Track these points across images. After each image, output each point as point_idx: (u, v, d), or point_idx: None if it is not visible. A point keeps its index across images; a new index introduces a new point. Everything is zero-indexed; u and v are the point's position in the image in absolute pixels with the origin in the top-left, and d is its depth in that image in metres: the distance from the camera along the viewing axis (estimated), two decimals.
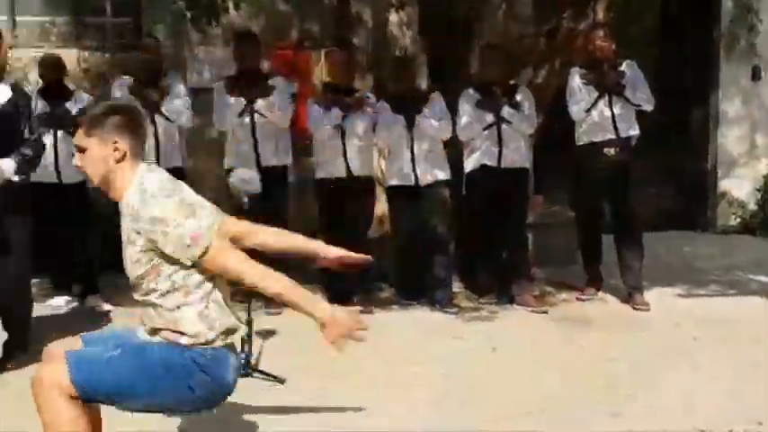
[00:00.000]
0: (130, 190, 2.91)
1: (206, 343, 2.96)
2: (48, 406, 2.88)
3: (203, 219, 2.87)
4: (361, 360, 5.25)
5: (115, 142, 2.90)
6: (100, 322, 6.17)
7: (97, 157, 2.96)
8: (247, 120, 6.40)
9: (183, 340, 2.96)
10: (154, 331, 3.04)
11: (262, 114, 6.38)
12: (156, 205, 2.78)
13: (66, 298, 6.63)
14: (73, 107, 6.50)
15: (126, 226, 2.90)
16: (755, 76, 9.52)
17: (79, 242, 6.62)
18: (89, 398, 2.90)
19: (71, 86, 6.82)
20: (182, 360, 2.95)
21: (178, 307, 2.92)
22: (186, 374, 2.96)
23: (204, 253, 2.77)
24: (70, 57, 7.46)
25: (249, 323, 4.94)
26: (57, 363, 2.93)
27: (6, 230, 5.19)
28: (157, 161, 6.30)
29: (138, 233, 2.81)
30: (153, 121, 6.35)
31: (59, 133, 6.32)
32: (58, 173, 6.34)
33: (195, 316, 2.96)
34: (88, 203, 6.58)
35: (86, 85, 7.74)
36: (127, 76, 6.69)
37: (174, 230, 2.73)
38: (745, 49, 9.38)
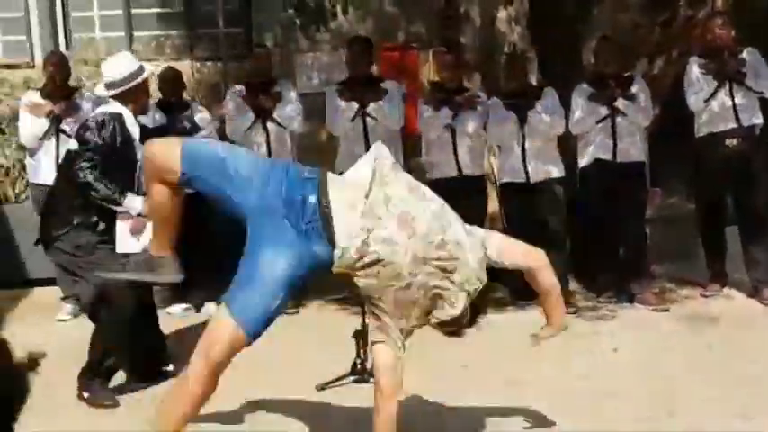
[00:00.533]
0: None
1: None
2: None
3: None
4: (478, 362, 5.32)
5: None
6: None
7: None
8: (360, 124, 6.48)
9: None
10: None
11: (374, 118, 6.46)
12: None
13: (183, 305, 6.75)
14: (190, 120, 6.62)
15: None
16: None
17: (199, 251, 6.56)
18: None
19: (187, 99, 6.98)
20: None
21: None
22: None
23: None
24: (184, 68, 7.59)
25: (365, 327, 4.89)
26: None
27: None
28: None
29: None
30: (265, 128, 6.56)
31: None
32: None
33: None
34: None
35: (200, 94, 7.93)
36: (239, 86, 6.82)
37: None
38: None
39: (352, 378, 5.01)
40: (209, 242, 6.60)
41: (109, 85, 5.11)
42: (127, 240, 5.10)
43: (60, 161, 5.59)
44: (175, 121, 6.54)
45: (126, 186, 5.00)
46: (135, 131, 5.20)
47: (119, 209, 5.01)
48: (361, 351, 4.98)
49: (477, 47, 7.46)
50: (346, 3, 8.06)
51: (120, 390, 5.26)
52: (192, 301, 6.78)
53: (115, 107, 5.12)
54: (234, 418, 4.68)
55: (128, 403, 5.09)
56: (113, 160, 4.98)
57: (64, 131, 6.42)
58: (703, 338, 5.80)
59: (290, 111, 6.67)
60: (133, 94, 5.11)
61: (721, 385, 4.92)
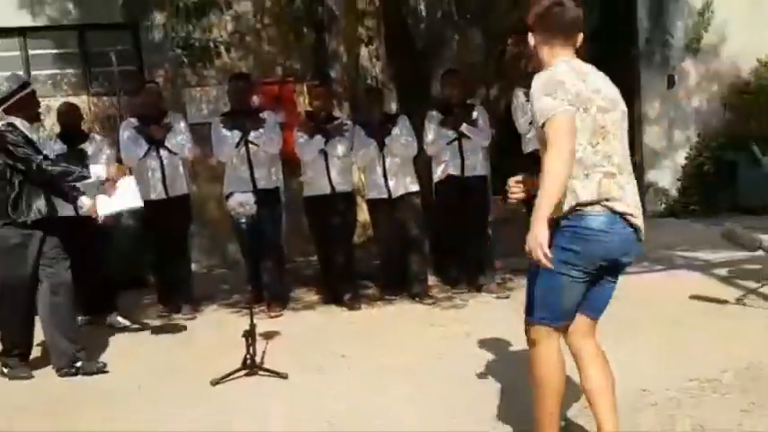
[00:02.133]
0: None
1: None
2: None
3: None
4: (354, 351, 5.58)
5: None
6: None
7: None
8: (243, 150, 6.60)
9: None
10: None
11: (255, 144, 6.59)
12: None
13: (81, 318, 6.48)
14: (89, 148, 6.60)
15: None
16: (670, 84, 10.02)
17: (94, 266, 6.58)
18: None
19: (85, 130, 6.92)
20: None
21: None
22: None
23: None
24: (82, 103, 7.62)
25: (252, 327, 5.13)
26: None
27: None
28: (164, 190, 6.60)
29: None
30: (158, 155, 6.63)
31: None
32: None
33: None
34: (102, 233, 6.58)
35: (98, 126, 8.00)
36: (133, 118, 6.84)
37: None
38: (660, 62, 9.92)
39: (243, 372, 5.08)
40: None
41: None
42: (107, 204, 5.42)
43: None
44: (73, 150, 6.51)
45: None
46: (32, 135, 5.38)
47: (90, 180, 5.30)
48: (251, 348, 5.09)
49: (344, 80, 7.87)
50: (229, 43, 8.30)
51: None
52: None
53: (9, 119, 5.29)
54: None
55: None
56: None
57: None
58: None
59: (180, 139, 6.75)
60: (20, 106, 5.32)
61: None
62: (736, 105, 10.15)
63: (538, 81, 3.27)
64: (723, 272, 7.21)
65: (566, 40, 3.32)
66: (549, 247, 3.04)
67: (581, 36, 3.34)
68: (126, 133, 6.76)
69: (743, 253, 7.57)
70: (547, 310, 3.33)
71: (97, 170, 5.48)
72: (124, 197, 5.51)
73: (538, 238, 3.02)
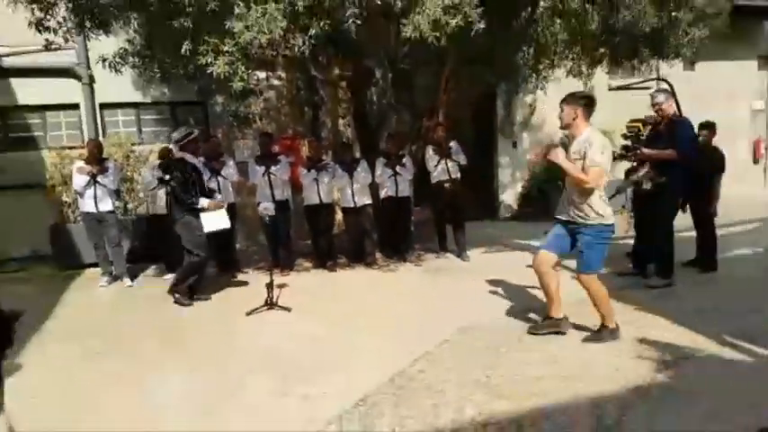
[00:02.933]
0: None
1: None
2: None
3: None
4: (332, 297, 5.73)
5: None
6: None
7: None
8: (267, 177, 6.55)
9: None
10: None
11: (274, 174, 6.56)
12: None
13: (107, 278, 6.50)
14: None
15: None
16: (514, 146, 10.18)
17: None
18: None
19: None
20: None
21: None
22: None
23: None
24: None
25: (272, 281, 5.22)
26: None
27: None
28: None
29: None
30: (216, 180, 6.47)
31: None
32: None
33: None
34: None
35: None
36: (201, 157, 6.38)
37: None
38: (509, 133, 10.10)
39: (266, 307, 5.13)
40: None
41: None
42: (209, 224, 5.41)
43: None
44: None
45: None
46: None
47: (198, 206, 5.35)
48: (270, 293, 5.16)
49: (329, 138, 7.97)
50: (260, 115, 8.52)
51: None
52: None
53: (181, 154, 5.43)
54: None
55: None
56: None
57: (98, 182, 6.24)
58: (437, 279, 6.24)
59: (229, 170, 6.65)
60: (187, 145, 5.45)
61: (443, 302, 5.44)
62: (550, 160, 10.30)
63: (597, 139, 3.84)
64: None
65: (591, 116, 3.95)
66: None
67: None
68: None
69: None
70: (596, 266, 3.97)
71: (203, 202, 5.44)
72: (219, 221, 5.51)
73: (562, 161, 3.86)
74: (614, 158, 5.16)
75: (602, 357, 3.79)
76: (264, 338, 4.58)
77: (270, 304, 5.18)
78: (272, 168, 6.66)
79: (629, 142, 5.54)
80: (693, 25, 5.82)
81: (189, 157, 5.49)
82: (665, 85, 6.60)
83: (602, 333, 4.07)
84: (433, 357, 3.95)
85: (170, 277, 6.08)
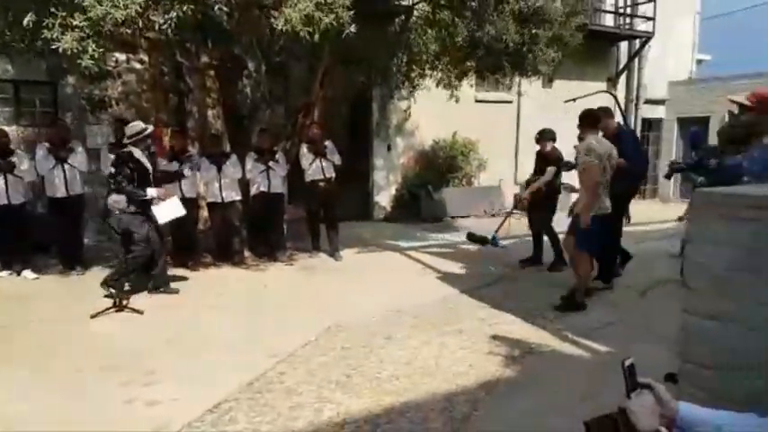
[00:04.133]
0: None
1: None
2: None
3: None
4: (193, 294, 5.50)
5: None
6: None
7: None
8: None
9: None
10: None
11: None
12: None
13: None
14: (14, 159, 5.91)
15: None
16: (389, 149, 10.34)
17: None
18: None
19: (12, 148, 6.10)
20: None
21: None
22: None
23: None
24: (11, 132, 6.66)
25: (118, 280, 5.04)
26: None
27: None
28: (66, 191, 6.03)
29: None
30: (63, 168, 6.02)
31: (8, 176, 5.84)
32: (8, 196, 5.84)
33: None
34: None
35: (22, 147, 7.01)
36: (46, 143, 6.11)
37: None
38: (384, 137, 10.23)
39: (114, 308, 4.81)
40: None
41: None
42: (161, 214, 5.21)
43: None
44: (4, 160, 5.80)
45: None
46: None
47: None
48: (121, 293, 4.90)
49: (197, 129, 7.51)
50: (118, 99, 7.71)
51: None
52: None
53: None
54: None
55: None
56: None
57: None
58: (308, 279, 6.11)
59: (79, 158, 6.16)
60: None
61: (312, 295, 5.47)
62: (421, 163, 10.68)
63: (584, 144, 4.69)
64: (412, 251, 7.49)
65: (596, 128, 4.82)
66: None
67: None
68: (40, 152, 6.07)
69: (421, 242, 8.15)
70: (587, 245, 4.77)
71: (152, 192, 5.18)
72: (173, 210, 5.30)
73: (587, 220, 4.66)
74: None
75: (459, 354, 3.96)
76: (111, 341, 4.24)
77: (119, 305, 4.83)
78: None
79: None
80: (551, 45, 6.31)
81: (137, 153, 5.22)
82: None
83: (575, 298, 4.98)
84: (295, 359, 3.89)
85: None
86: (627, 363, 1.56)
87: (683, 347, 1.87)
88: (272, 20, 4.39)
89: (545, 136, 6.52)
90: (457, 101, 7.95)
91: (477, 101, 10.66)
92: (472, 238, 7.32)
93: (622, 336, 4.28)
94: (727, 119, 5.74)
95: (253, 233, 7.13)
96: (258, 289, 5.79)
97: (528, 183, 6.72)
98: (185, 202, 6.28)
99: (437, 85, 7.76)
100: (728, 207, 1.71)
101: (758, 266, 1.65)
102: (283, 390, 3.41)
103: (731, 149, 2.46)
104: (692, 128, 9.66)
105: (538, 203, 6.46)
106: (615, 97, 6.03)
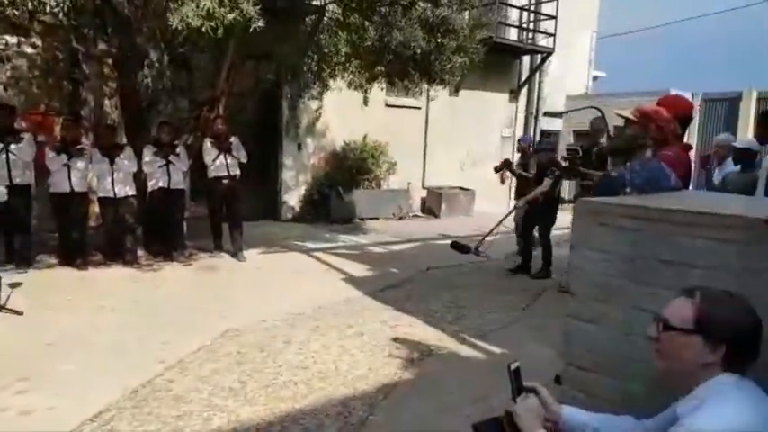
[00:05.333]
0: None
1: None
2: None
3: None
4: (72, 298, 5.07)
5: None
6: None
7: None
8: (4, 156, 5.57)
9: None
10: None
11: (14, 153, 5.60)
12: None
13: None
14: None
15: None
16: (299, 149, 10.10)
17: None
18: None
19: None
20: None
21: None
22: None
23: None
24: None
25: None
26: None
27: None
28: None
29: None
30: None
31: None
32: None
33: None
34: None
35: None
36: None
37: None
38: (294, 136, 9.98)
39: None
40: None
41: None
42: None
43: None
44: None
45: None
46: None
47: None
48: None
49: (91, 119, 7.02)
50: (6, 84, 6.94)
51: None
52: None
53: None
54: None
55: None
56: None
57: None
58: (206, 280, 5.91)
59: None
60: None
61: (202, 296, 5.27)
62: (331, 164, 10.55)
63: None
64: (319, 253, 7.35)
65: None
66: None
67: None
68: None
69: (329, 243, 8.05)
70: None
71: None
72: None
73: None
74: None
75: (358, 357, 3.89)
76: None
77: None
78: (12, 146, 5.66)
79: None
80: (456, 54, 6.44)
81: None
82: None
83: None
84: (187, 365, 3.66)
85: None
86: (512, 366, 1.58)
87: (566, 350, 1.90)
88: (169, 14, 4.16)
89: (541, 146, 6.63)
90: (366, 103, 7.93)
91: (387, 105, 10.73)
92: (455, 246, 7.12)
93: (517, 337, 4.41)
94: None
95: (149, 231, 6.70)
96: (151, 290, 5.46)
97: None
98: (75, 196, 5.94)
99: (348, 87, 7.69)
100: (609, 216, 1.76)
101: (636, 274, 1.70)
102: (171, 397, 3.19)
103: (617, 161, 2.55)
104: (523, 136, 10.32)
105: (534, 213, 6.43)
106: (602, 113, 6.00)
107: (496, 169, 7.46)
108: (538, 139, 13.92)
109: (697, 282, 1.44)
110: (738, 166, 4.50)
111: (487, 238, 6.50)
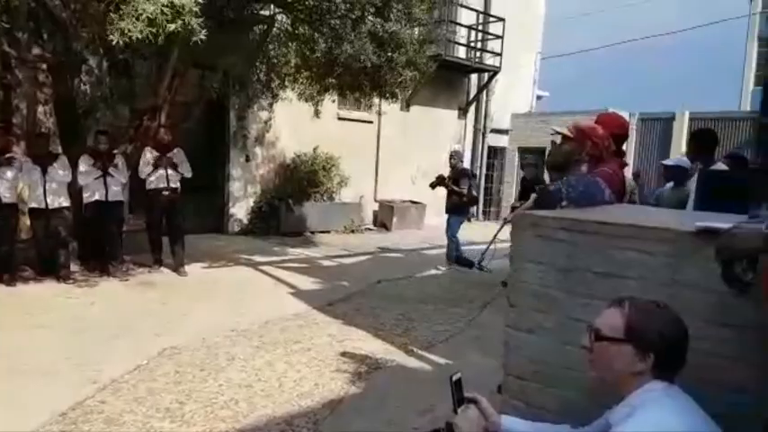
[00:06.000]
0: None
1: None
2: None
3: None
4: (11, 313, 4.89)
5: None
6: None
7: None
8: None
9: None
10: None
11: None
12: None
13: None
14: None
15: None
16: (247, 160, 9.92)
17: None
18: None
19: None
20: None
21: None
22: None
23: None
24: None
25: None
26: None
27: None
28: None
29: None
30: None
31: None
32: None
33: None
34: None
35: None
36: None
37: None
38: (242, 147, 9.79)
39: None
40: None
41: None
42: None
43: None
44: None
45: None
46: None
47: None
48: None
49: (23, 126, 6.69)
50: None
51: None
52: None
53: None
54: None
55: None
56: None
57: None
58: (144, 296, 5.68)
59: None
60: None
61: (148, 313, 5.05)
62: (282, 176, 10.44)
63: None
64: (267, 266, 7.20)
65: None
66: None
67: None
68: None
69: (277, 257, 7.92)
70: None
71: None
72: None
73: None
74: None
75: (304, 373, 3.83)
76: None
77: None
78: None
79: None
80: (406, 68, 6.52)
81: None
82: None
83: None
84: (121, 386, 3.50)
85: None
86: (454, 378, 1.59)
87: (506, 361, 1.92)
88: (108, 25, 4.05)
89: (525, 162, 6.69)
90: (318, 115, 7.90)
91: (339, 118, 10.74)
92: (458, 261, 7.29)
93: (463, 348, 4.45)
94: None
95: (84, 244, 6.43)
96: (85, 307, 5.21)
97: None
98: (3, 207, 5.62)
99: (299, 98, 7.64)
100: (546, 228, 1.80)
101: (572, 285, 1.75)
102: (102, 420, 3.04)
103: (555, 176, 2.62)
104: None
105: None
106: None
107: (432, 185, 7.73)
108: (485, 153, 14.28)
109: (630, 293, 1.48)
110: (671, 183, 4.71)
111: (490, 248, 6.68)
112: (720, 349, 1.47)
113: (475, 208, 12.99)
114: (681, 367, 1.35)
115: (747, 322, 1.43)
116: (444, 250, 7.81)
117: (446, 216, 7.77)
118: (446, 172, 7.89)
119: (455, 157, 7.92)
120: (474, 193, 7.90)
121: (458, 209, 7.69)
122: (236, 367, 3.87)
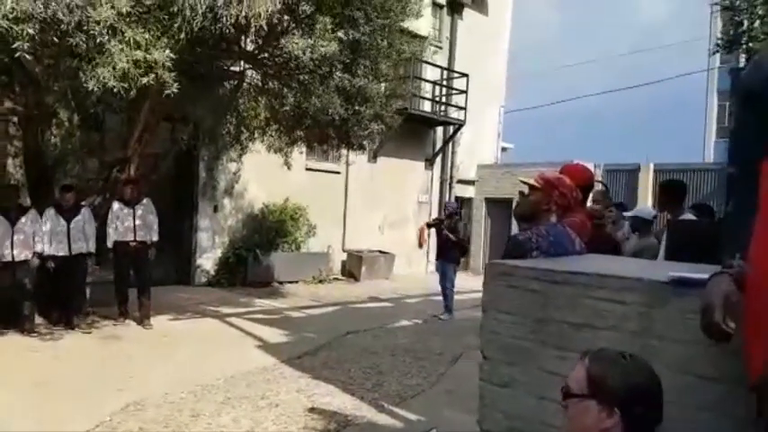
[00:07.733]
0: None
1: None
2: None
3: None
4: None
5: None
6: None
7: None
8: None
9: None
10: None
11: None
12: None
13: None
14: None
15: None
16: (215, 210, 9.76)
17: None
18: None
19: None
20: None
21: None
22: None
23: None
24: None
25: None
26: None
27: None
28: None
29: None
30: None
31: None
32: None
33: None
34: None
35: None
36: None
37: None
38: (210, 197, 9.64)
39: None
40: None
41: None
42: None
43: None
44: None
45: None
46: None
47: None
48: None
49: None
50: None
51: None
52: None
53: None
54: None
55: None
56: None
57: None
58: (109, 349, 5.39)
59: None
60: None
61: (109, 368, 4.81)
62: (250, 227, 10.18)
63: None
64: (233, 318, 6.96)
65: None
66: None
67: None
68: None
69: (245, 308, 7.68)
70: None
71: None
72: None
73: None
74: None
75: (271, 430, 3.64)
76: None
77: None
78: None
79: None
80: (373, 121, 6.58)
81: None
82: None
83: None
84: None
85: None
86: None
87: (481, 416, 1.84)
88: (83, 75, 3.99)
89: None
90: (289, 167, 7.86)
91: (307, 169, 10.72)
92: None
93: (435, 403, 4.31)
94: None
95: (48, 297, 6.12)
96: (48, 361, 4.94)
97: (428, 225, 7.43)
98: None
99: (268, 150, 7.62)
100: (518, 278, 1.76)
101: (545, 336, 1.70)
102: None
103: (523, 226, 2.61)
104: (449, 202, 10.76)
105: None
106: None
107: (429, 225, 8.26)
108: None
109: (603, 344, 1.43)
110: (636, 234, 4.73)
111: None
112: (695, 400, 1.42)
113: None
114: (657, 423, 1.23)
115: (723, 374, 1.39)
116: (418, 300, 7.81)
117: (436, 263, 7.96)
118: (420, 222, 8.03)
119: (448, 207, 8.21)
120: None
121: (452, 255, 7.75)
122: (202, 424, 3.66)
